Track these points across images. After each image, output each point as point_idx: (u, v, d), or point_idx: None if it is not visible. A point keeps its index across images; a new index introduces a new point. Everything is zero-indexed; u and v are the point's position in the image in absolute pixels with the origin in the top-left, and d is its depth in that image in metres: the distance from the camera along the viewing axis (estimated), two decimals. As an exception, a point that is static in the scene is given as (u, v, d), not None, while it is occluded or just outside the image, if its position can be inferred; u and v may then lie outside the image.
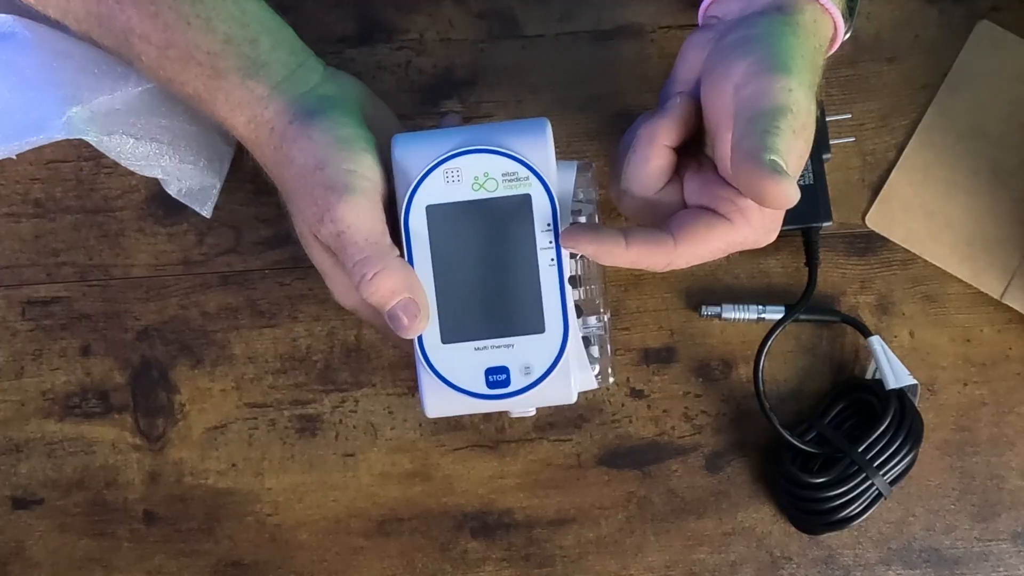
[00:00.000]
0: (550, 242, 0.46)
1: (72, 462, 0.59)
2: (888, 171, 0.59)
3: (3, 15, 0.54)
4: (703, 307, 0.58)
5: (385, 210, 0.47)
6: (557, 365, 0.47)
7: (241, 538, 0.58)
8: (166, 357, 0.59)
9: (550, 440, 0.59)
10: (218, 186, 0.58)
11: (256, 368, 0.59)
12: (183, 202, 0.58)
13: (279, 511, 0.59)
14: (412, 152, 0.47)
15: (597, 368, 0.50)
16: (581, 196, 0.50)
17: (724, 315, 0.58)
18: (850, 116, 0.59)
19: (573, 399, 0.48)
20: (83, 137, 0.51)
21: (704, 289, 0.59)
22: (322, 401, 0.59)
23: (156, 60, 0.48)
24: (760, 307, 0.58)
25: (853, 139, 0.59)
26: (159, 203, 0.60)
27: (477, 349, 0.47)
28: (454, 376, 0.47)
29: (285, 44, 0.49)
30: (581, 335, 0.49)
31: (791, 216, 0.56)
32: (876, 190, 0.59)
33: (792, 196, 0.41)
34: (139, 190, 0.60)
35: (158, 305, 0.59)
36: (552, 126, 0.47)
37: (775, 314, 0.58)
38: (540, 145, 0.47)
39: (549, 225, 0.46)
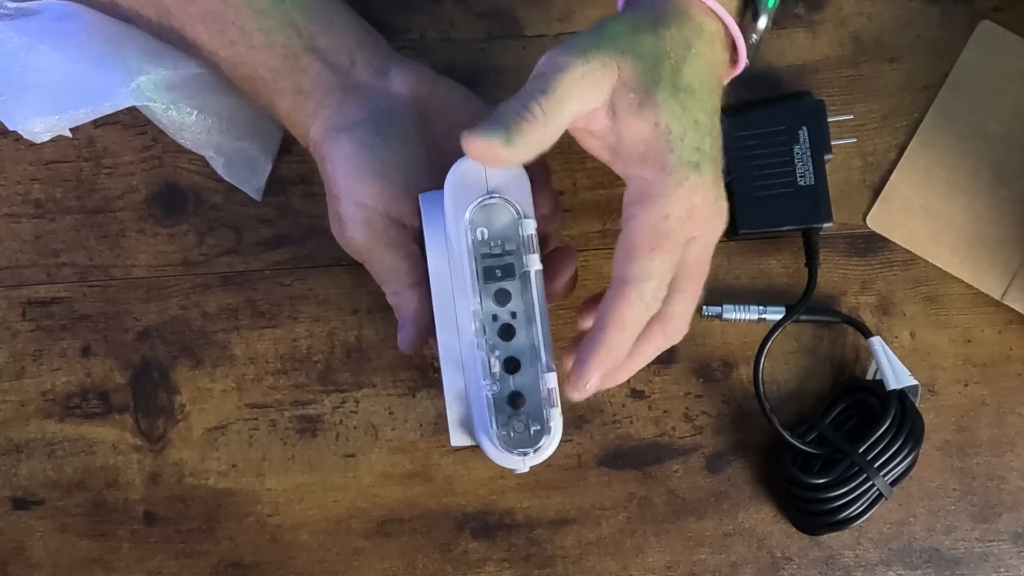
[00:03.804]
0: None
1: (72, 462, 0.59)
2: (889, 171, 0.59)
3: (63, 1, 0.53)
4: (704, 307, 0.58)
5: (395, 226, 0.50)
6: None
7: (242, 539, 0.58)
8: (166, 357, 0.59)
9: (551, 441, 0.59)
10: (268, 167, 0.59)
11: (256, 368, 0.59)
12: (232, 183, 0.58)
13: (280, 512, 0.58)
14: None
15: (522, 426, 0.47)
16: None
17: (725, 315, 0.58)
18: (851, 117, 0.59)
19: (456, 444, 0.48)
20: (150, 104, 0.51)
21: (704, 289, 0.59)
22: (322, 402, 0.59)
23: (229, 73, 0.51)
24: (761, 307, 0.58)
25: (855, 140, 0.59)
26: (159, 203, 0.60)
27: None
28: None
29: (340, 40, 0.51)
30: (505, 391, 0.47)
31: (793, 217, 0.57)
32: (877, 191, 0.59)
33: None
34: (139, 190, 0.60)
35: (158, 305, 0.59)
36: None
37: (775, 315, 0.57)
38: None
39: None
